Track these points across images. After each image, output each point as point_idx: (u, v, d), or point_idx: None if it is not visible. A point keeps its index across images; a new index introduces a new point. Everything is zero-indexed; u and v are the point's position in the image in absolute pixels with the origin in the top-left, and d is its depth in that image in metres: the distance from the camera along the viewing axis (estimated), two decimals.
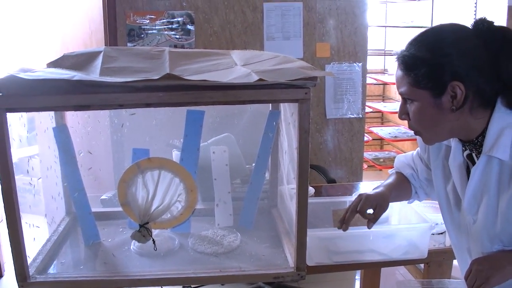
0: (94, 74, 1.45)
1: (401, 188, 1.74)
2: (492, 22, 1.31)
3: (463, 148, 1.42)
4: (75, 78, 1.30)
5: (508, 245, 1.34)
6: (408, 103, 1.37)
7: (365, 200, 1.60)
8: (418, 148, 1.69)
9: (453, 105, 1.29)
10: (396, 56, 1.38)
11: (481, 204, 1.38)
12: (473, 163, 1.40)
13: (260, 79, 1.34)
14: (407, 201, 1.81)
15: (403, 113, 1.40)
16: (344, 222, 1.62)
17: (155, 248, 1.57)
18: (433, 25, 1.50)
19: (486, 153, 1.31)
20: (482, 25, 1.31)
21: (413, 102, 1.35)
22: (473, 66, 1.28)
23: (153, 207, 1.55)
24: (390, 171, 1.87)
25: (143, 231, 1.53)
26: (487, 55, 1.28)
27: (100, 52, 1.59)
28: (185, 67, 1.53)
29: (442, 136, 1.40)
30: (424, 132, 1.39)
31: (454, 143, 1.44)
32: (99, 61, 1.53)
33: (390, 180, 1.76)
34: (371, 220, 1.60)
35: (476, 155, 1.38)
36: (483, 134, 1.33)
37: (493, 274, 1.27)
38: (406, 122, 1.47)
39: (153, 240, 1.55)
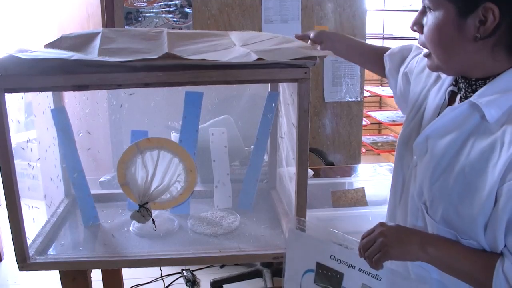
0: (92, 54, 1.44)
1: (368, 50, 1.68)
2: None
3: (452, 83, 1.22)
4: (73, 58, 1.30)
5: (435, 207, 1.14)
6: (427, 13, 1.12)
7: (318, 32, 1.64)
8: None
9: (478, 32, 1.04)
10: None
11: (432, 149, 1.17)
12: (453, 102, 1.21)
13: (260, 59, 1.33)
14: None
15: (417, 23, 1.15)
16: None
17: (154, 228, 1.58)
18: None
19: (475, 100, 1.08)
20: None
21: (433, 12, 1.09)
22: None
23: (153, 187, 1.55)
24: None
25: (142, 211, 1.53)
26: None
27: (98, 33, 1.58)
28: (184, 48, 1.52)
29: (452, 66, 1.13)
30: (432, 52, 1.14)
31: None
32: (97, 42, 1.52)
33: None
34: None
35: (462, 97, 1.17)
36: (486, 80, 1.10)
37: (395, 245, 1.09)
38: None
39: (152, 220, 1.56)
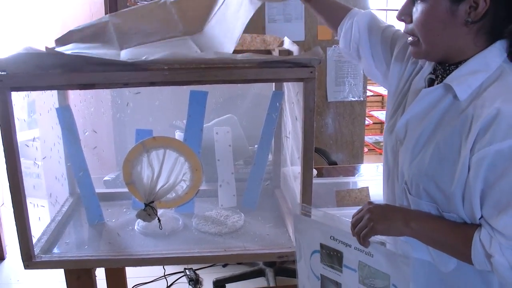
0: (113, 45, 1.45)
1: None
2: None
3: (431, 71, 1.26)
4: (79, 54, 1.30)
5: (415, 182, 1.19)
6: (416, 3, 1.17)
7: None
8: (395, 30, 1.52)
9: (469, 17, 1.10)
10: None
11: (410, 131, 1.23)
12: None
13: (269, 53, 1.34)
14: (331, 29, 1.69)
15: (405, 14, 1.21)
16: None
17: (160, 227, 1.58)
18: None
19: (447, 82, 1.15)
20: None
21: (424, 2, 1.14)
22: None
23: (158, 186, 1.55)
24: None
25: (148, 210, 1.53)
26: None
27: (106, 22, 1.58)
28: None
29: (438, 51, 1.19)
30: (421, 38, 1.18)
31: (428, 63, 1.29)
32: (111, 31, 1.53)
33: None
34: None
35: (439, 82, 1.22)
36: (459, 64, 1.17)
37: (380, 221, 1.15)
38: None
39: (158, 219, 1.56)
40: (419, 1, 1.16)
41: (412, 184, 1.20)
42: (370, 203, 1.21)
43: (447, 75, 1.19)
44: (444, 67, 1.21)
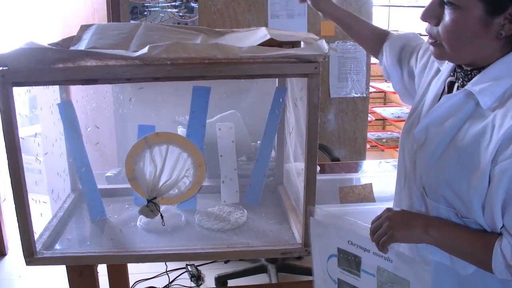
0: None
1: (358, 21, 1.70)
2: None
3: (451, 73, 1.25)
4: (81, 49, 1.29)
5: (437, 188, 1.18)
6: (446, 8, 1.11)
7: None
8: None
9: (502, 29, 1.06)
10: None
11: (430, 136, 1.22)
12: (451, 91, 1.24)
13: (272, 40, 1.37)
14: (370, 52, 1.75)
15: (433, 17, 1.14)
16: None
17: (163, 223, 1.57)
18: None
19: (469, 88, 1.13)
20: None
21: (457, 9, 1.09)
22: None
23: (161, 182, 1.54)
24: None
25: (151, 206, 1.52)
26: None
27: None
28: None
29: (462, 58, 1.16)
30: (448, 45, 1.14)
31: (447, 64, 1.28)
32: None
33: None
34: None
35: (459, 85, 1.21)
36: (481, 69, 1.14)
37: (400, 229, 1.14)
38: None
39: (161, 215, 1.55)
40: (450, 7, 1.10)
41: (431, 189, 1.19)
42: (389, 209, 1.21)
43: (468, 79, 1.17)
44: (465, 72, 1.18)
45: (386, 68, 1.63)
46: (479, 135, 1.09)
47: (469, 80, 1.16)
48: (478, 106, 1.12)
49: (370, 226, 1.21)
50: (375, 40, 1.67)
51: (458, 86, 1.21)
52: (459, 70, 1.20)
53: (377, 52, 1.67)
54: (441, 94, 1.26)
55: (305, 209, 1.47)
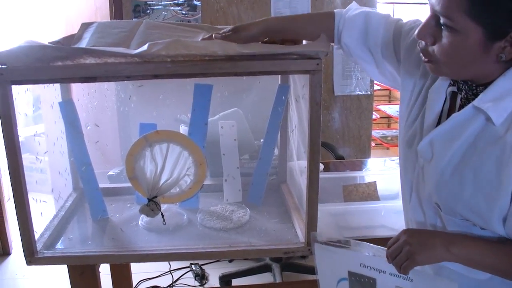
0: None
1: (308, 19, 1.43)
2: None
3: (451, 82, 1.20)
4: (81, 46, 1.28)
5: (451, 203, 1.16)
6: (444, 30, 1.06)
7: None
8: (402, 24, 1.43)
9: (503, 52, 1.03)
10: None
11: (438, 153, 1.18)
12: (454, 102, 1.20)
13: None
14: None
15: (429, 35, 1.10)
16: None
17: (164, 222, 1.56)
18: None
19: (478, 104, 1.09)
20: None
21: (455, 32, 1.05)
22: None
23: (162, 181, 1.53)
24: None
25: (151, 205, 1.51)
26: None
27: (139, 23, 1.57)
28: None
29: (461, 76, 1.14)
30: (445, 65, 1.11)
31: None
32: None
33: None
34: None
35: (463, 98, 1.17)
36: (487, 85, 1.10)
37: (421, 251, 1.12)
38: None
39: (162, 214, 1.53)
40: (448, 28, 1.05)
41: (445, 206, 1.17)
42: (406, 231, 1.17)
43: (473, 93, 1.13)
44: (469, 86, 1.14)
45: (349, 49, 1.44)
46: (496, 153, 1.07)
47: (473, 93, 1.13)
48: (489, 122, 1.08)
49: (384, 248, 1.19)
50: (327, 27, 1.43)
51: (461, 98, 1.18)
52: (463, 82, 1.16)
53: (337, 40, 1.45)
54: (443, 104, 1.21)
55: (308, 206, 1.45)
